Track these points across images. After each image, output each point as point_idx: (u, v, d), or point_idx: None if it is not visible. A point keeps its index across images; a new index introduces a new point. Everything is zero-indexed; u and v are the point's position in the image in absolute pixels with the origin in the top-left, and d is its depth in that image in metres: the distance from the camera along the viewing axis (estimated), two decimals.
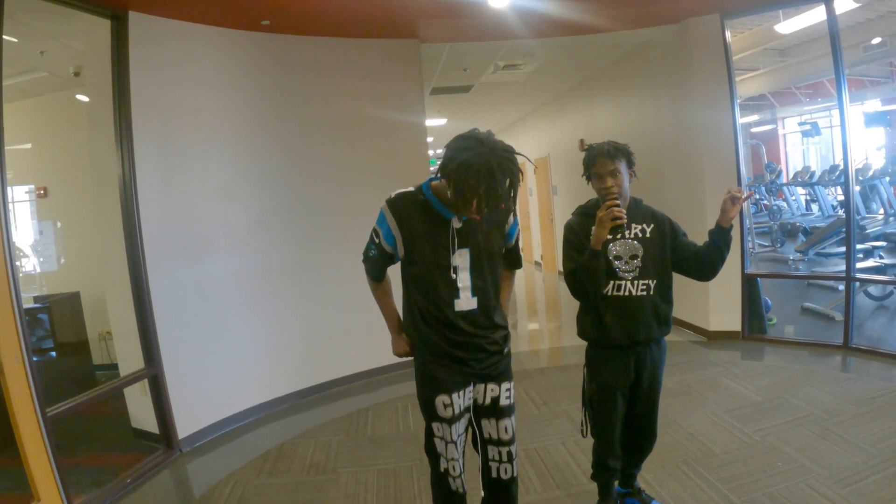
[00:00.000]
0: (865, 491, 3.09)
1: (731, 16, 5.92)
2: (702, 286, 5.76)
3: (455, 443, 2.39)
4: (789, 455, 3.55)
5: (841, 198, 12.00)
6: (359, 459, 4.12)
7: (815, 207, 12.94)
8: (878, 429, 3.77)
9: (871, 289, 7.03)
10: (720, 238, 2.69)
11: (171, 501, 3.89)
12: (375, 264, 2.49)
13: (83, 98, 5.39)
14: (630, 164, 2.74)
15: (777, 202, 13.76)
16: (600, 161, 2.69)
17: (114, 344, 4.89)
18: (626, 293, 2.71)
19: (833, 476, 3.26)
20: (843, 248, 5.99)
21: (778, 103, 15.64)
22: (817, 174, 12.29)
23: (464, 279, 2.35)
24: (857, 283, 6.01)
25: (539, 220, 12.47)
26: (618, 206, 2.54)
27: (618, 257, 2.71)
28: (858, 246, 7.40)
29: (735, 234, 5.81)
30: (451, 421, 2.37)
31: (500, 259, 2.48)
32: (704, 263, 2.75)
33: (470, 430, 2.51)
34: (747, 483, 3.29)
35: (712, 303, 6.15)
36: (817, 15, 6.07)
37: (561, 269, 3.27)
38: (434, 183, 2.34)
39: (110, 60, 4.32)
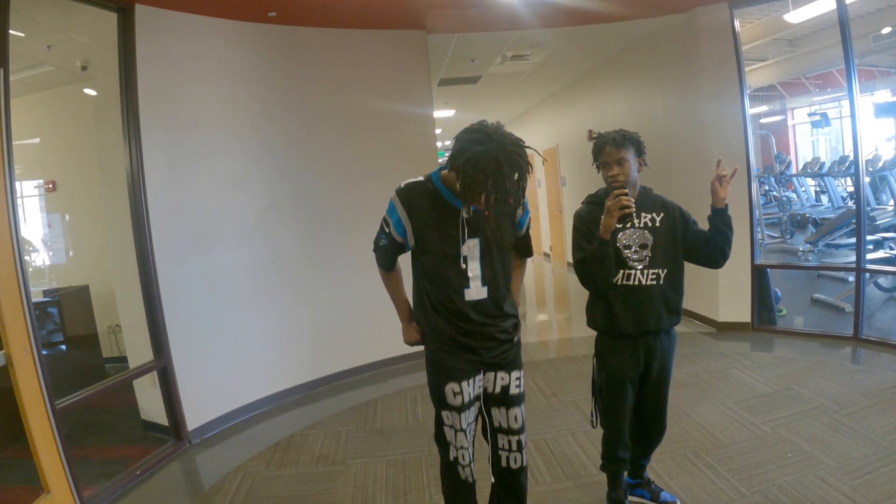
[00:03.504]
0: (876, 482, 3.07)
1: (739, 5, 5.87)
2: (711, 277, 5.79)
3: (464, 431, 2.39)
4: (799, 446, 3.54)
5: (851, 189, 11.91)
6: (368, 450, 4.13)
7: (824, 198, 12.86)
8: (889, 420, 3.75)
9: (882, 280, 6.99)
10: (719, 220, 2.71)
11: (181, 493, 3.91)
12: (386, 254, 2.50)
13: (91, 92, 5.40)
14: (639, 153, 2.73)
15: (787, 193, 13.67)
16: (607, 149, 2.69)
17: (123, 336, 4.92)
18: (636, 282, 2.70)
19: (843, 467, 3.25)
20: (853, 240, 5.95)
21: (787, 94, 15.55)
22: (827, 165, 12.22)
23: (474, 269, 2.35)
24: (868, 275, 5.97)
25: (548, 211, 12.44)
26: (626, 195, 2.53)
27: (627, 246, 2.70)
28: (868, 237, 7.34)
29: (745, 224, 5.85)
30: (460, 409, 2.38)
31: (510, 248, 2.48)
32: (712, 249, 2.75)
33: (480, 420, 2.51)
34: (757, 474, 3.28)
35: (722, 294, 6.13)
36: (827, 4, 6.01)
37: (570, 259, 3.26)
38: (443, 173, 2.33)
39: (117, 54, 4.32)
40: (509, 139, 2.10)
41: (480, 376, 2.44)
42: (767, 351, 5.47)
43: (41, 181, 6.65)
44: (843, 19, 5.32)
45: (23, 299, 3.24)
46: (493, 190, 2.08)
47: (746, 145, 5.90)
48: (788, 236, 11.16)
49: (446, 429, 2.41)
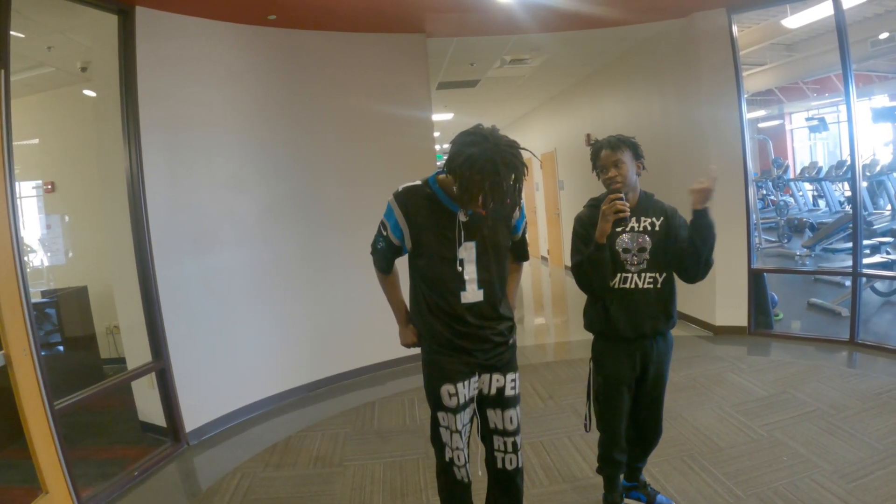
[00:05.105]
0: (870, 486, 3.09)
1: (737, 10, 5.89)
2: (708, 281, 5.71)
3: (460, 432, 2.41)
4: (795, 450, 3.55)
5: (848, 193, 11.91)
6: (365, 452, 4.14)
7: (822, 203, 12.86)
8: (884, 424, 3.77)
9: (878, 285, 7.00)
10: (696, 221, 2.61)
11: (179, 494, 3.91)
12: (383, 256, 2.52)
13: (90, 93, 5.40)
14: (637, 156, 2.75)
15: (784, 198, 13.68)
16: (603, 153, 2.73)
17: (121, 338, 4.92)
18: (633, 286, 2.72)
19: (838, 471, 3.26)
20: (850, 244, 5.97)
21: (785, 98, 15.55)
22: (824, 170, 12.22)
23: (470, 272, 2.37)
24: (864, 279, 5.99)
25: (545, 215, 12.46)
26: (621, 199, 2.56)
27: (626, 250, 2.71)
28: (865, 242, 7.36)
29: (742, 228, 5.89)
30: (455, 410, 2.39)
31: (506, 252, 2.50)
32: (690, 255, 2.66)
33: (476, 421, 2.53)
34: (752, 477, 3.30)
35: (719, 298, 6.15)
36: (825, 9, 6.03)
37: (567, 263, 3.28)
38: (441, 177, 2.36)
39: (117, 55, 4.34)
40: (504, 141, 2.14)
41: (476, 378, 2.46)
42: (764, 355, 5.48)
43: (40, 182, 6.65)
44: (840, 24, 5.35)
45: (22, 300, 3.25)
46: (490, 191, 2.11)
47: (744, 150, 5.92)
48: (785, 241, 11.18)
49: (442, 430, 2.43)
